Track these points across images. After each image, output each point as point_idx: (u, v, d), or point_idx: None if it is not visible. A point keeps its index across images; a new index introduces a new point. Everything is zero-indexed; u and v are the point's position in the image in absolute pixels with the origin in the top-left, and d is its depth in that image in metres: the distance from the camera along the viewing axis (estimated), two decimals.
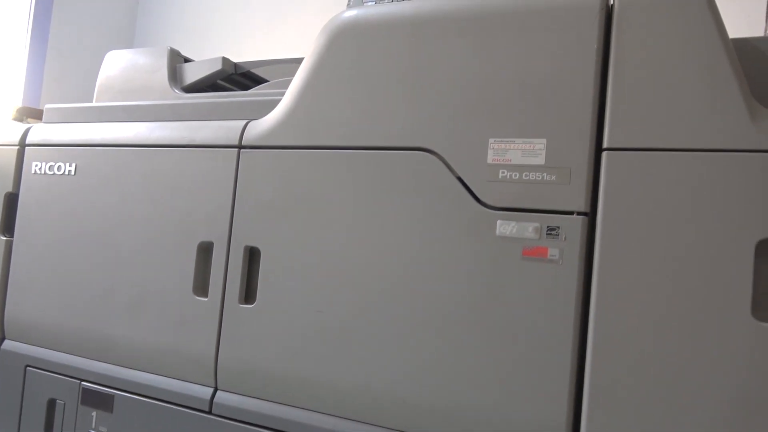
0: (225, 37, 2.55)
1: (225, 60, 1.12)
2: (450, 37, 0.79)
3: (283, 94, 0.91)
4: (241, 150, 0.91)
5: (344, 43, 0.86)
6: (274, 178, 0.88)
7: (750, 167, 0.64)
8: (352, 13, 0.87)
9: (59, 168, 1.07)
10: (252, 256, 0.90)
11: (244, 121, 0.94)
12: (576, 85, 0.71)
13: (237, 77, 1.20)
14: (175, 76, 1.15)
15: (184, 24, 2.69)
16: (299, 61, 0.91)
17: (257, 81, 1.23)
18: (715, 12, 0.68)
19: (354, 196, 0.82)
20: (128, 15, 2.66)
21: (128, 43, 2.68)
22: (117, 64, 1.19)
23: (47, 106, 1.16)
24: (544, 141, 0.72)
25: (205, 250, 0.92)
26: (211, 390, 0.90)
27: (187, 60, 1.19)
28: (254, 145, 0.90)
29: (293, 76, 0.90)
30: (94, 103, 1.14)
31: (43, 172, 1.09)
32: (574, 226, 0.70)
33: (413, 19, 0.82)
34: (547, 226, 0.71)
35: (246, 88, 1.23)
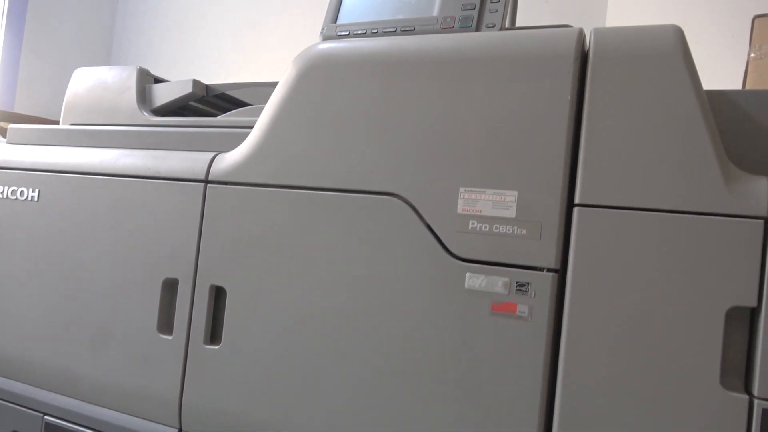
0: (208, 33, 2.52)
1: (195, 83, 1.08)
2: (422, 79, 0.76)
3: (254, 122, 0.88)
4: (208, 185, 0.88)
5: (314, 78, 0.83)
6: (240, 215, 0.85)
7: (722, 232, 0.62)
8: (323, 47, 0.84)
9: (22, 193, 1.04)
10: (218, 295, 0.87)
11: (212, 154, 0.91)
12: (548, 137, 0.69)
13: (212, 99, 1.17)
14: (144, 97, 1.11)
15: (164, 24, 2.64)
16: (275, 85, 0.88)
17: (235, 103, 1.20)
18: (691, 67, 0.66)
19: (321, 239, 0.80)
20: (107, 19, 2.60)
21: (107, 43, 2.62)
22: (84, 83, 1.15)
23: (11, 126, 1.12)
24: (516, 193, 0.70)
25: (170, 287, 0.90)
26: (175, 430, 0.88)
27: (158, 80, 1.15)
28: (221, 181, 0.87)
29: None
30: (60, 126, 1.10)
31: (5, 196, 1.05)
32: (544, 282, 0.68)
33: (386, 59, 0.79)
34: (517, 282, 0.70)
35: (223, 110, 1.19)
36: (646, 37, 0.68)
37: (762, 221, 0.61)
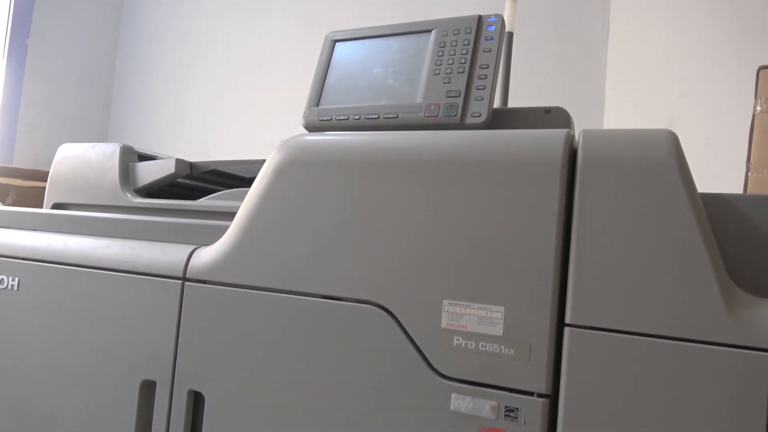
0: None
1: (178, 162, 1.05)
2: (406, 182, 0.72)
3: (236, 208, 0.84)
4: (186, 282, 0.84)
5: (292, 175, 0.79)
6: (218, 316, 0.82)
7: (724, 363, 0.57)
8: (302, 140, 0.81)
9: (2, 281, 1.01)
10: (197, 399, 0.83)
11: (191, 248, 0.87)
12: (536, 250, 0.65)
13: (202, 175, 1.14)
14: (127, 176, 1.08)
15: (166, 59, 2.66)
16: (262, 162, 0.84)
17: (224, 176, 1.17)
18: (686, 175, 0.62)
19: (300, 346, 0.76)
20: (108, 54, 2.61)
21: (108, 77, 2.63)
22: (68, 160, 1.13)
23: None
24: (502, 309, 0.66)
25: (147, 389, 0.86)
26: None
27: (143, 157, 1.13)
28: (199, 279, 0.84)
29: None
30: (41, 210, 1.08)
31: None
32: (535, 408, 0.63)
33: (366, 157, 0.75)
34: (506, 406, 0.65)
35: (212, 183, 1.17)
36: (638, 142, 0.64)
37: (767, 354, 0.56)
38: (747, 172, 1.40)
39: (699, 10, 1.78)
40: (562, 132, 0.67)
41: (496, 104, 1.33)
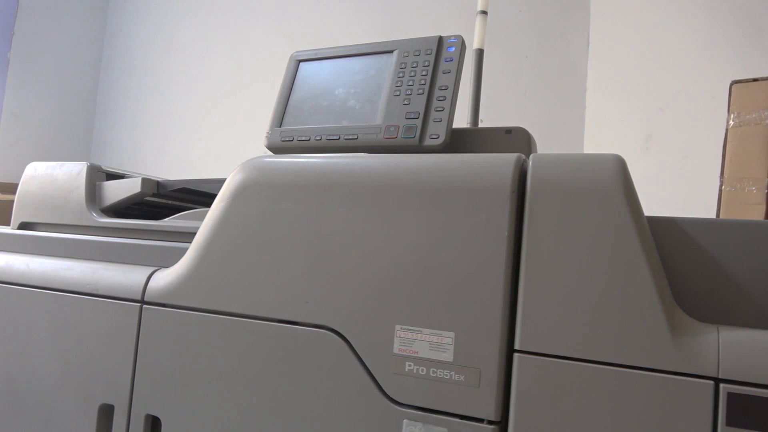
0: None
1: (144, 181, 1.05)
2: (359, 206, 0.72)
3: (197, 229, 0.84)
4: (144, 305, 0.84)
5: (249, 198, 0.79)
6: (176, 339, 0.81)
7: (668, 391, 0.57)
8: (259, 162, 0.81)
9: None
10: (154, 424, 0.82)
11: (150, 270, 0.87)
12: (486, 276, 0.65)
13: (170, 193, 1.13)
14: (93, 195, 1.08)
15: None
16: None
17: (194, 193, 1.16)
18: (633, 201, 0.62)
19: (256, 370, 0.75)
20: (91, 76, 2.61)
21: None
22: (36, 179, 1.12)
23: None
24: (453, 335, 0.66)
25: (106, 413, 0.85)
26: None
27: (111, 176, 1.12)
28: (157, 302, 0.83)
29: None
30: (6, 230, 1.07)
31: None
32: None
33: (320, 180, 0.75)
34: None
35: (181, 201, 1.16)
36: (586, 167, 0.64)
37: (712, 382, 0.56)
38: (720, 186, 1.40)
39: (676, 25, 1.79)
40: (512, 157, 0.67)
41: (467, 123, 1.34)
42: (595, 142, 1.92)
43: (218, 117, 2.54)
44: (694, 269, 0.63)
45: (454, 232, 0.67)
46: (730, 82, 1.47)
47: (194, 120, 2.58)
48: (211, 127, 2.53)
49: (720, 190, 1.39)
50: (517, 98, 2.07)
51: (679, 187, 1.73)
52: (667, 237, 0.65)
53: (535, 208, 0.64)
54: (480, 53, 1.24)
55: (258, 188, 0.79)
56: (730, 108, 1.42)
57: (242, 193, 0.80)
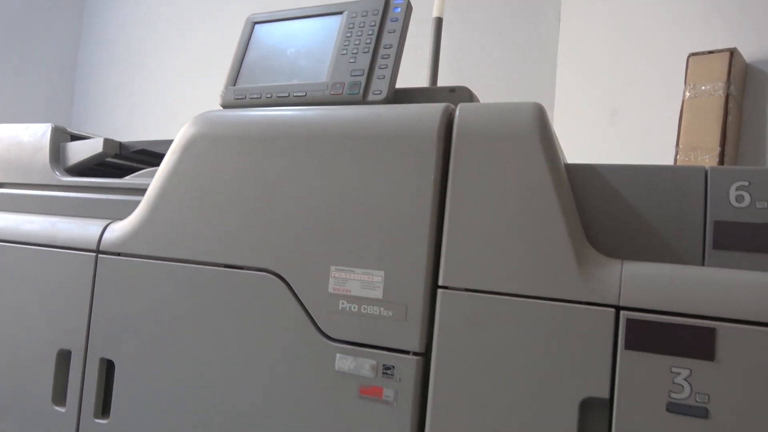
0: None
1: (107, 141, 1.08)
2: (299, 155, 0.76)
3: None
4: (99, 255, 0.87)
5: (197, 150, 0.82)
6: (129, 287, 0.85)
7: (575, 319, 0.61)
8: (207, 117, 0.84)
9: None
10: (109, 367, 0.86)
11: (106, 222, 0.90)
12: (414, 218, 0.68)
13: (131, 154, 1.16)
14: (58, 156, 1.10)
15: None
16: None
17: (157, 156, 1.19)
18: (549, 146, 0.65)
19: (204, 313, 0.79)
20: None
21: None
22: (2, 141, 1.15)
23: None
24: (383, 274, 0.69)
25: (64, 358, 0.89)
26: None
27: (75, 137, 1.15)
28: (111, 251, 0.87)
29: None
30: None
31: None
32: (409, 366, 0.67)
33: (263, 132, 0.79)
34: (383, 365, 0.68)
35: (145, 164, 1.19)
36: (506, 115, 0.67)
37: (613, 310, 0.60)
38: (676, 155, 1.45)
39: (644, 1, 1.82)
40: (441, 106, 0.71)
41: (427, 84, 1.37)
42: (565, 119, 1.95)
43: (197, 88, 2.56)
44: (607, 210, 0.67)
45: (386, 177, 0.70)
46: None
47: (173, 92, 2.59)
48: (189, 96, 2.54)
49: (675, 160, 1.44)
50: (489, 73, 2.10)
51: (641, 161, 1.77)
52: (585, 181, 0.69)
53: (459, 153, 0.68)
54: (439, 21, 1.27)
55: (206, 141, 0.82)
56: (687, 80, 1.46)
57: (191, 146, 0.83)
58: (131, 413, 0.82)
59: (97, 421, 0.85)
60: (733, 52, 1.40)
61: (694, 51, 1.48)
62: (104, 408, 0.86)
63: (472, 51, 2.14)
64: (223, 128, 0.81)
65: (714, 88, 1.39)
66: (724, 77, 1.38)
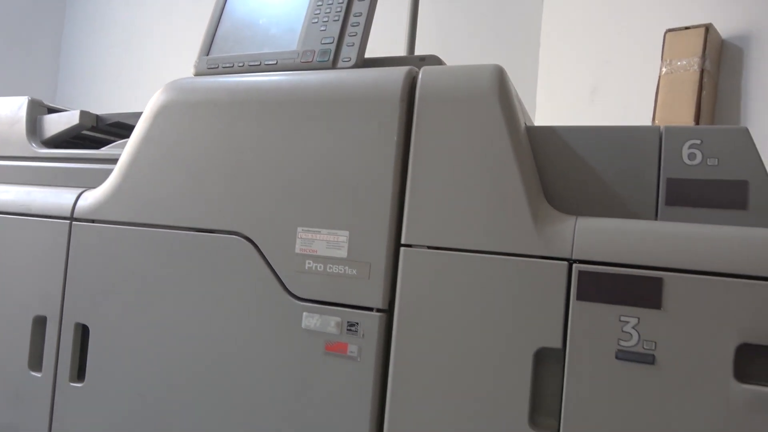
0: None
1: (83, 114, 1.08)
2: (266, 119, 0.77)
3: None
4: (73, 222, 0.88)
5: (168, 116, 0.83)
6: (102, 253, 0.86)
7: (530, 273, 0.63)
8: (177, 84, 0.85)
9: None
10: (84, 332, 0.87)
11: (81, 190, 0.91)
12: (378, 179, 0.70)
13: (108, 127, 1.17)
14: (34, 128, 1.11)
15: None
16: None
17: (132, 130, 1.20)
18: (508, 107, 0.67)
19: (175, 277, 0.80)
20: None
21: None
22: None
23: None
24: (347, 234, 0.71)
25: (39, 324, 0.90)
26: None
27: (52, 110, 1.15)
28: (85, 218, 0.88)
29: None
30: None
31: None
32: (372, 323, 0.69)
33: (234, 97, 0.80)
34: (348, 322, 0.70)
35: (121, 137, 1.20)
36: (467, 77, 0.69)
37: (566, 263, 0.62)
38: None
39: None
40: (404, 69, 0.72)
41: (403, 53, 1.38)
42: (547, 96, 1.97)
43: (184, 62, 2.54)
44: (566, 169, 0.69)
45: (350, 139, 0.72)
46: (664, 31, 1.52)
47: (158, 66, 2.59)
48: (175, 71, 2.54)
49: None
50: (473, 51, 2.11)
51: None
52: (545, 142, 0.70)
53: (421, 115, 0.69)
54: None
55: (177, 107, 0.83)
56: (663, 56, 1.48)
57: (162, 112, 0.84)
58: (106, 376, 0.84)
59: (72, 384, 0.86)
60: (708, 28, 1.42)
61: (671, 27, 1.49)
62: (80, 372, 0.87)
63: (455, 28, 2.15)
64: (193, 94, 0.82)
65: (689, 63, 1.41)
66: (700, 52, 1.39)
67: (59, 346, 0.88)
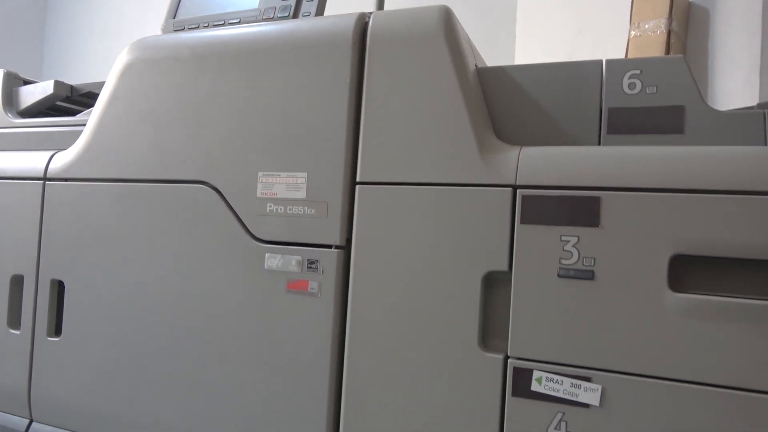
0: None
1: (57, 84, 1.10)
2: (226, 70, 0.79)
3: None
4: (46, 182, 0.91)
5: (134, 75, 0.85)
6: (75, 210, 0.88)
7: (478, 201, 0.65)
8: (141, 42, 0.87)
9: None
10: (60, 289, 0.90)
11: (53, 152, 0.93)
12: (333, 121, 0.72)
13: (82, 98, 1.19)
14: (11, 100, 1.13)
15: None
16: None
17: None
18: (455, 46, 0.69)
19: (145, 228, 0.83)
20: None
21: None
22: None
23: None
24: (306, 175, 0.73)
25: (16, 283, 0.92)
26: (26, 421, 0.91)
27: (27, 82, 1.17)
28: (57, 177, 0.90)
29: None
30: None
31: None
32: (331, 259, 0.71)
33: (195, 51, 0.82)
34: (308, 260, 0.73)
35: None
36: (415, 19, 0.71)
37: (510, 189, 0.64)
38: None
39: None
40: (355, 14, 0.74)
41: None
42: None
43: None
44: (515, 105, 0.71)
45: (306, 84, 0.74)
46: None
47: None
48: None
49: None
50: None
51: None
52: (496, 81, 0.73)
53: (373, 57, 0.72)
54: None
55: (141, 65, 0.85)
56: (632, 20, 1.50)
57: (127, 71, 0.86)
58: (81, 329, 0.86)
59: (50, 339, 0.89)
60: None
61: None
62: (57, 328, 0.90)
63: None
64: (157, 52, 0.85)
65: (656, 25, 1.43)
66: (666, 14, 1.41)
67: (36, 303, 0.90)
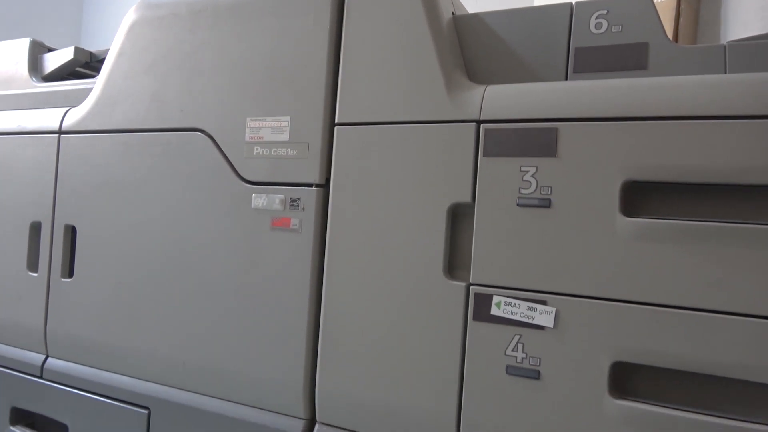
0: None
1: (77, 50, 1.17)
2: (219, 24, 0.84)
3: None
4: (61, 135, 0.98)
5: (138, 32, 0.91)
6: (87, 160, 0.95)
7: (444, 136, 0.68)
8: (146, 3, 0.93)
9: None
10: (73, 234, 0.97)
11: (67, 108, 1.00)
12: (314, 67, 0.76)
13: (100, 63, 1.26)
14: (36, 66, 1.21)
15: None
16: None
17: None
18: None
19: (146, 175, 0.88)
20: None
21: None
22: None
23: None
24: (289, 119, 0.78)
25: (35, 230, 1.00)
26: (42, 357, 0.99)
27: (51, 50, 1.25)
28: (71, 131, 0.97)
29: None
30: None
31: None
32: (311, 197, 0.76)
33: (192, 8, 0.87)
34: (290, 198, 0.77)
35: None
36: None
37: (474, 124, 0.67)
38: None
39: None
40: None
41: None
42: None
43: None
44: (488, 48, 0.74)
45: (290, 33, 0.78)
46: None
47: None
48: None
49: None
50: None
51: None
52: (470, 26, 0.75)
53: (351, 4, 0.75)
54: None
55: (144, 22, 0.91)
56: None
57: (132, 28, 0.92)
58: (91, 270, 0.93)
59: (63, 280, 0.96)
60: None
61: None
62: (70, 270, 0.97)
63: None
64: (158, 10, 0.90)
65: None
66: None
67: (52, 247, 0.97)
